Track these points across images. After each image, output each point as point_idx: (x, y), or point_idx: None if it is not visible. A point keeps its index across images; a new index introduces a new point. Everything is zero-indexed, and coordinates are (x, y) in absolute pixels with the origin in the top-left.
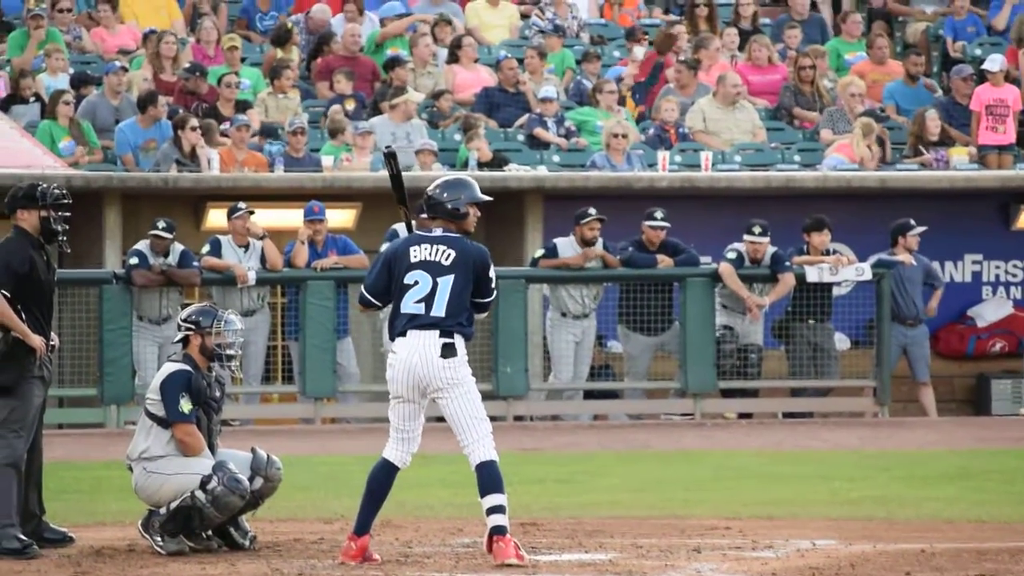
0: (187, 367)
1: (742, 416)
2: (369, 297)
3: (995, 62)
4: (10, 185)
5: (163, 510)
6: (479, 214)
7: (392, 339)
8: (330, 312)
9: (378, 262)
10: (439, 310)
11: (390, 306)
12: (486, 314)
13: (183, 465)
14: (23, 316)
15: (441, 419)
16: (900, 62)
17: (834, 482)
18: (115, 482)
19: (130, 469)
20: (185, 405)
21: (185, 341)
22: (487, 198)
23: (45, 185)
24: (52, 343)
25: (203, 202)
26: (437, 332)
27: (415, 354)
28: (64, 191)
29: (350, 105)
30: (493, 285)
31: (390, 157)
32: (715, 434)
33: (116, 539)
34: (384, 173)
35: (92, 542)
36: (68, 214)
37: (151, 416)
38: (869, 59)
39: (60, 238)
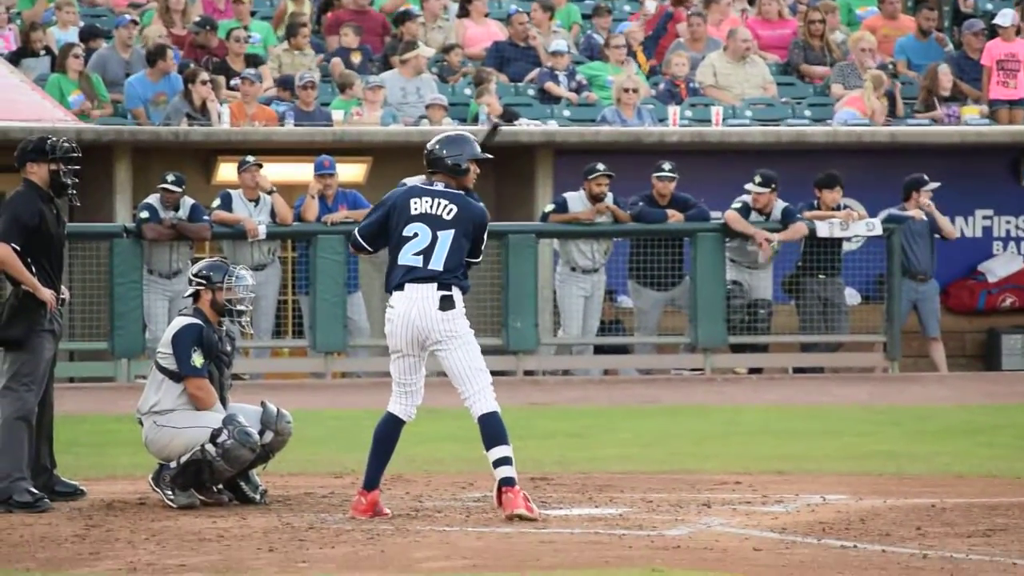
0: (199, 321)
1: (752, 371)
2: (360, 240)
3: (1006, 16)
4: (20, 139)
5: (173, 464)
6: (479, 171)
7: (389, 291)
8: (340, 266)
9: (377, 208)
10: (437, 263)
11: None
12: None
13: (193, 419)
14: (33, 270)
15: (445, 374)
16: (911, 17)
17: (844, 437)
18: (126, 436)
19: (140, 423)
20: (197, 359)
21: (196, 296)
22: (487, 155)
23: (54, 138)
24: (62, 296)
25: (213, 156)
26: (435, 285)
27: (413, 307)
28: (74, 144)
29: (356, 58)
30: (484, 247)
31: (496, 128)
32: (725, 389)
33: (127, 492)
34: (394, 127)
35: (103, 495)
36: (78, 167)
37: (162, 370)
38: (880, 13)
39: (70, 191)
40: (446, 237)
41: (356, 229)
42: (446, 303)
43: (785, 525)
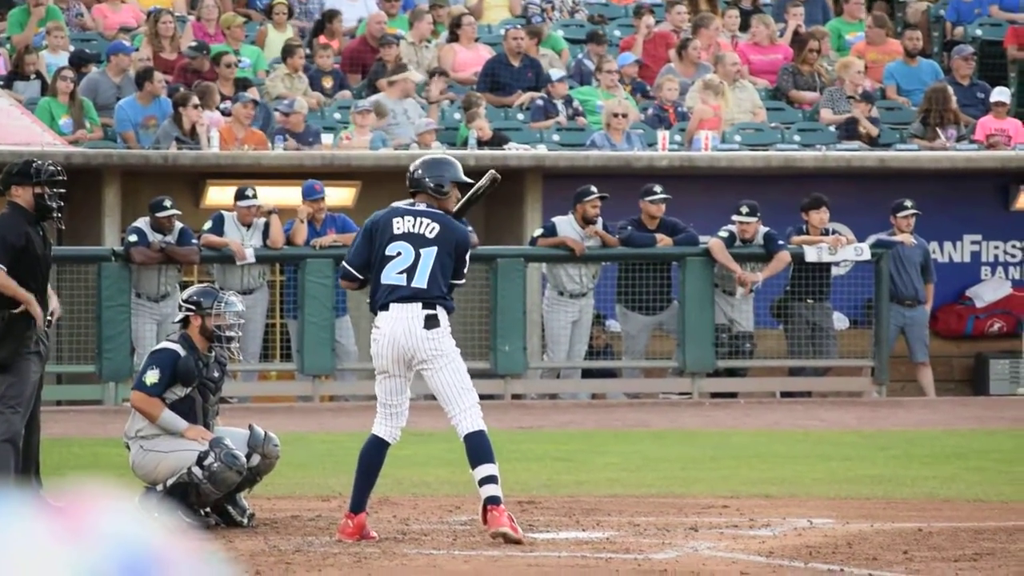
0: (178, 347)
1: (729, 395)
2: (351, 270)
3: (1003, 93)
4: (10, 162)
5: (160, 487)
6: (459, 195)
7: (373, 311)
8: (328, 290)
9: (359, 236)
10: (421, 281)
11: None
12: None
13: (180, 442)
14: None
15: (434, 396)
16: (899, 41)
17: (832, 461)
18: (113, 459)
19: (128, 447)
20: (151, 377)
21: (185, 321)
22: (468, 179)
23: (40, 162)
24: (50, 316)
25: (203, 180)
26: (420, 304)
27: (398, 327)
28: (59, 168)
29: (328, 83)
30: (466, 270)
31: (494, 182)
32: (713, 413)
33: None
34: (383, 151)
35: None
36: (63, 191)
37: None
38: (867, 39)
39: (55, 214)
40: (429, 255)
41: (344, 261)
42: (431, 322)
43: (772, 549)
